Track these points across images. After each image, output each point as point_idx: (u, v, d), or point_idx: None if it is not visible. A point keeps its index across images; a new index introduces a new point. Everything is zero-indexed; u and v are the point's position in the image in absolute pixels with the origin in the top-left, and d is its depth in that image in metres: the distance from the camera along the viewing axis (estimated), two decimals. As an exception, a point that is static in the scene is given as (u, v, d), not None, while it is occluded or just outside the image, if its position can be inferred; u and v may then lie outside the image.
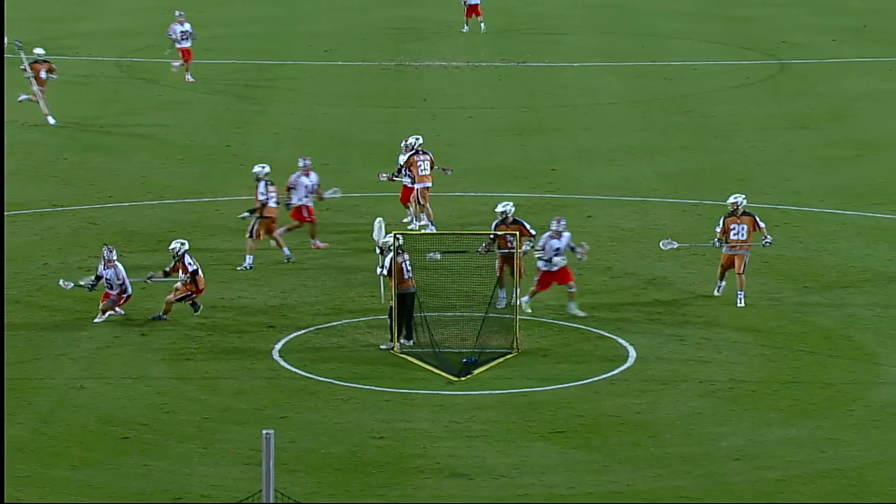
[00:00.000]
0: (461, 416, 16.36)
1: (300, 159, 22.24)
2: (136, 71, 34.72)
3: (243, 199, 23.56)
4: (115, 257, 19.02)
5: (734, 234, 19.86)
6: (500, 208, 19.60)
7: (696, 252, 22.23)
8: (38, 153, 27.63)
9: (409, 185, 22.70)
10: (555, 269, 19.20)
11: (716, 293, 19.94)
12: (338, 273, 21.02)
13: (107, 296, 18.92)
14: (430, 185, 22.81)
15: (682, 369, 17.73)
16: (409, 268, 18.14)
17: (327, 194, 22.17)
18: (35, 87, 28.69)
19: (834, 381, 17.36)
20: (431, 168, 22.60)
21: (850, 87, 33.54)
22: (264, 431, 13.68)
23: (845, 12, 41.24)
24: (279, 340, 18.39)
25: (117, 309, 19.12)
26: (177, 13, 33.27)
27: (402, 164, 22.84)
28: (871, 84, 33.84)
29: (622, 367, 17.72)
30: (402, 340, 18.06)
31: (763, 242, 19.89)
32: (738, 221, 19.89)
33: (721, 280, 19.99)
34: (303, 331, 18.72)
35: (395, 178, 22.83)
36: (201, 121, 30.26)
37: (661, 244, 20.49)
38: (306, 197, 21.84)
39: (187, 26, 32.81)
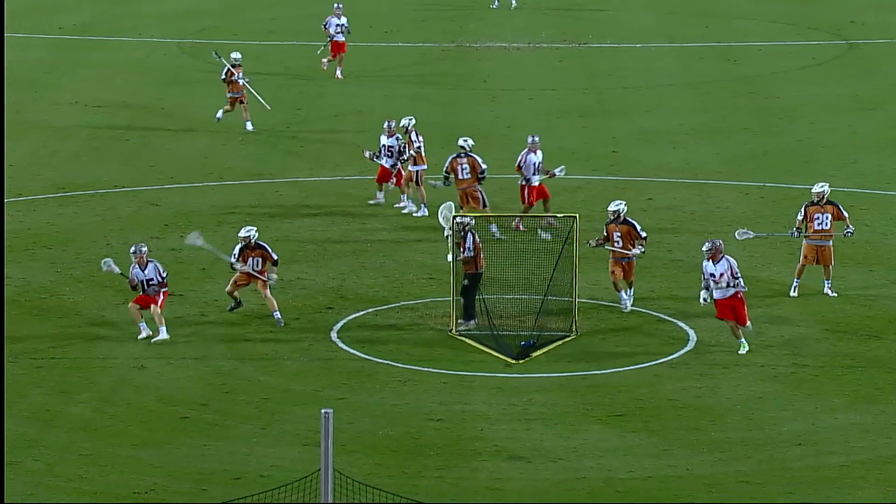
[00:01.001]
0: (519, 398, 16.38)
1: (529, 136, 22.35)
2: (198, 52, 34.99)
3: (302, 181, 23.66)
4: (146, 250, 18.05)
5: (818, 224, 19.49)
6: (612, 207, 18.95)
7: (758, 236, 22.01)
8: (101, 135, 27.95)
9: (387, 167, 22.92)
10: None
11: (792, 293, 19.43)
12: (396, 254, 21.09)
13: (143, 299, 17.96)
14: (425, 167, 22.75)
15: (743, 354, 17.59)
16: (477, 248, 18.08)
17: (557, 171, 22.26)
18: (228, 95, 27.48)
19: (899, 367, 17.16)
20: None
21: (921, 67, 32.99)
22: (323, 411, 13.78)
23: (916, -10, 40.56)
24: (338, 321, 18.50)
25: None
26: (335, 6, 31.63)
27: (386, 145, 22.86)
28: (943, 64, 33.27)
29: (682, 351, 17.63)
30: (460, 320, 18.09)
31: (845, 232, 19.51)
32: (822, 210, 19.50)
33: (798, 278, 19.52)
34: (361, 312, 18.81)
35: (375, 159, 23.06)
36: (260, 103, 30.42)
37: (735, 234, 20.16)
38: (534, 175, 22.02)
39: (344, 20, 31.42)
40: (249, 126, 27.48)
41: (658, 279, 20.19)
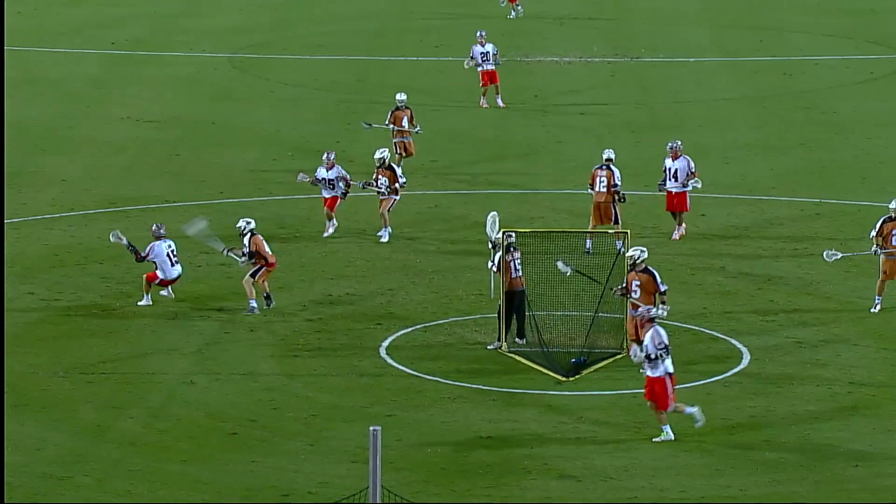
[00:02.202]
0: (569, 416, 16.31)
1: (669, 143, 22.61)
2: (249, 67, 35.27)
3: (351, 196, 23.70)
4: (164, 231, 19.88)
5: (895, 240, 19.33)
6: (630, 252, 17.40)
7: (813, 252, 21.82)
8: (152, 149, 28.22)
9: (327, 196, 22.38)
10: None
11: (874, 310, 19.25)
12: (446, 270, 21.09)
13: (155, 276, 19.69)
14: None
15: (798, 372, 17.43)
16: (519, 266, 18.10)
17: (690, 184, 22.35)
18: (395, 140, 25.49)
19: (959, 387, 16.91)
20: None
21: (982, 81, 32.58)
22: (371, 428, 13.79)
23: (976, 3, 40.07)
24: (386, 338, 18.52)
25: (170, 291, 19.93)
26: (478, 34, 30.49)
27: (326, 178, 22.33)
28: None
29: (736, 369, 17.49)
30: (516, 339, 18.05)
31: None
32: None
33: (879, 295, 19.32)
34: (410, 328, 18.82)
35: (314, 184, 22.36)
36: (312, 117, 30.62)
37: (824, 255, 20.01)
38: (670, 181, 22.25)
39: (489, 47, 30.00)
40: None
41: (711, 296, 20.05)
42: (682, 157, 22.37)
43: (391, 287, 20.50)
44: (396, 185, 22.21)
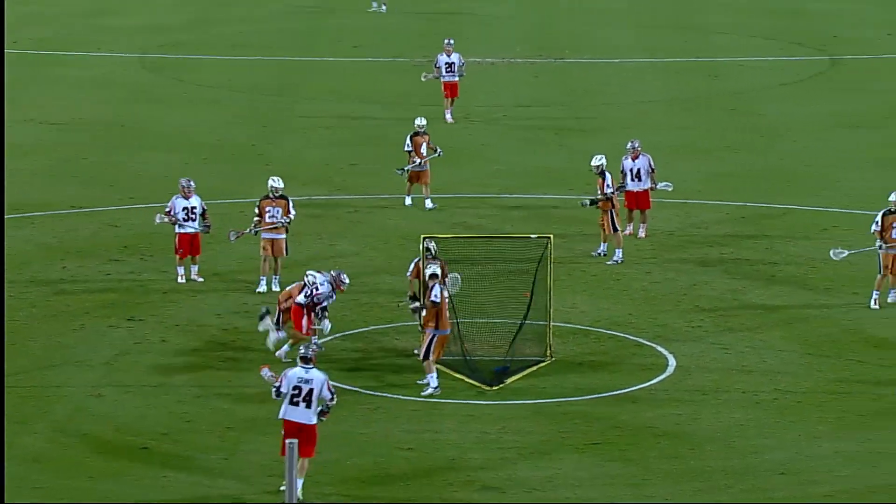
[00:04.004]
0: (492, 426, 16.31)
1: (629, 142, 22.52)
2: (162, 68, 34.92)
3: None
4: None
5: None
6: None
7: (739, 257, 22.08)
8: (59, 153, 27.82)
9: (187, 233, 20.20)
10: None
11: (872, 305, 19.50)
12: (366, 277, 21.02)
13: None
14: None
15: (724, 379, 17.60)
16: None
17: (660, 186, 22.56)
18: (408, 166, 23.95)
19: (885, 392, 17.18)
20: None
21: (906, 84, 33.22)
22: (288, 441, 13.69)
23: (900, 5, 40.87)
24: (304, 348, 18.37)
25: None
26: (445, 42, 29.55)
27: (189, 207, 20.26)
28: (928, 80, 33.52)
29: (661, 377, 17.61)
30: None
31: None
32: None
33: (877, 290, 19.57)
34: (329, 337, 18.73)
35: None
36: (228, 119, 30.40)
37: (830, 254, 20.25)
38: (632, 181, 22.30)
39: (455, 57, 29.11)
40: (429, 204, 23.88)
41: (636, 302, 20.20)
42: (642, 156, 22.60)
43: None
44: (290, 216, 20.43)
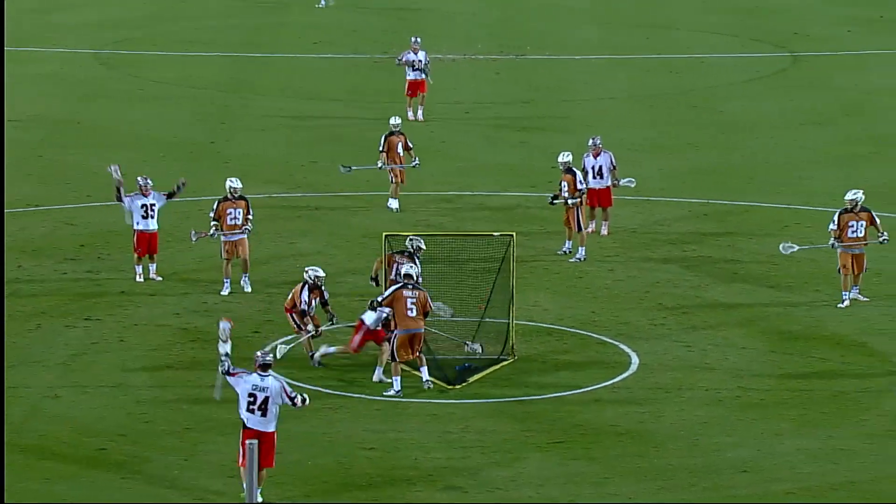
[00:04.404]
0: (455, 425, 16.38)
1: (590, 139, 22.63)
2: (117, 64, 34.74)
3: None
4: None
5: (851, 232, 19.68)
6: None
7: (702, 254, 22.27)
8: (13, 151, 27.62)
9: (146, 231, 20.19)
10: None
11: (841, 306, 19.65)
12: (328, 275, 21.01)
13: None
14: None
15: (687, 377, 17.75)
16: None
17: (623, 182, 22.58)
18: (387, 166, 23.72)
19: (846, 390, 17.38)
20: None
21: (867, 81, 33.57)
22: (248, 441, 13.70)
23: (860, 2, 41.27)
24: (265, 346, 18.39)
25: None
26: (413, 40, 29.36)
27: (148, 204, 20.14)
28: (889, 77, 33.88)
29: (624, 375, 17.73)
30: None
31: (880, 239, 19.70)
32: (857, 218, 19.70)
33: (846, 291, 19.72)
34: (289, 336, 18.72)
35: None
36: (185, 117, 30.30)
37: (780, 247, 20.39)
38: (595, 179, 22.32)
39: (421, 55, 28.84)
40: (394, 204, 23.80)
41: (599, 300, 20.33)
42: (603, 153, 22.72)
43: (270, 293, 20.36)
44: (250, 223, 20.32)
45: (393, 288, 17.30)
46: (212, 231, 20.28)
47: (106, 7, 40.43)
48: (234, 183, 20.54)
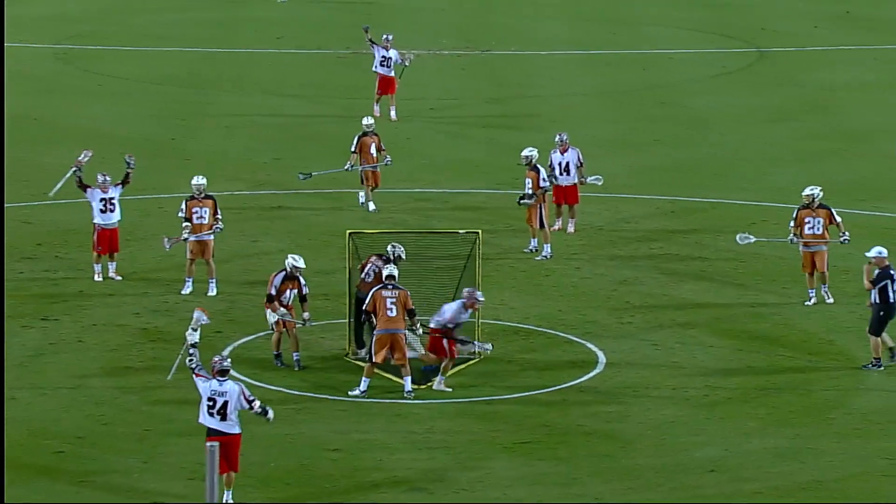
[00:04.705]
0: (420, 426, 16.34)
1: (556, 135, 22.56)
2: (75, 59, 34.49)
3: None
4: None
5: (808, 229, 19.59)
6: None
7: (669, 252, 22.32)
8: (-32, 147, 27.38)
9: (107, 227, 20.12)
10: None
11: (808, 304, 19.60)
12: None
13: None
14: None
15: (654, 376, 17.79)
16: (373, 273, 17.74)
17: (590, 179, 22.53)
18: (359, 168, 23.43)
19: (814, 388, 17.47)
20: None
21: (834, 77, 33.78)
22: (209, 444, 13.62)
23: (828, -2, 41.56)
24: (227, 346, 18.31)
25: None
26: (384, 36, 28.85)
27: (107, 198, 19.91)
28: (855, 73, 34.10)
29: (591, 374, 17.76)
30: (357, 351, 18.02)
31: (841, 239, 19.58)
32: (814, 215, 19.59)
33: (812, 289, 19.67)
34: (252, 336, 18.64)
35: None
36: (144, 112, 30.12)
37: (737, 238, 20.27)
38: (562, 175, 22.27)
39: (392, 53, 28.50)
40: (371, 207, 23.48)
41: (566, 298, 20.34)
42: (570, 150, 22.72)
43: (231, 291, 20.26)
44: (220, 223, 20.11)
45: (373, 290, 17.20)
46: (184, 235, 20.03)
47: (63, 1, 40.13)
48: (199, 181, 20.33)
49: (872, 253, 17.85)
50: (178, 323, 19.16)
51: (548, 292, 20.56)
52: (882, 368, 17.73)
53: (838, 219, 19.83)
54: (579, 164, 22.86)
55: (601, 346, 18.61)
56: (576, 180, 22.85)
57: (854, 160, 27.70)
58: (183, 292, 20.15)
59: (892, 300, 17.68)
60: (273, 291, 17.62)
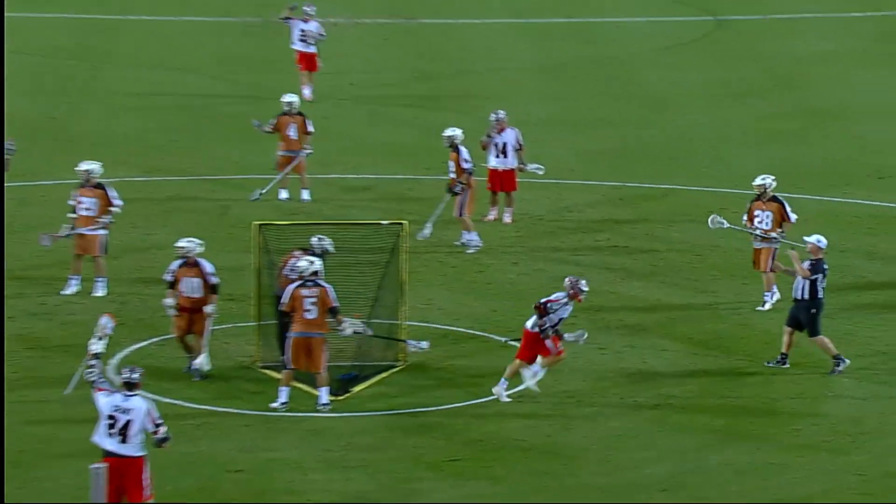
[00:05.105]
0: (337, 443, 16.28)
1: (492, 113, 22.42)
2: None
3: (71, 182, 23.10)
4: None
5: (758, 222, 19.55)
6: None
7: (617, 245, 22.38)
8: None
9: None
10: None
11: (760, 308, 19.58)
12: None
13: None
14: None
15: (600, 383, 17.83)
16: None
17: (530, 167, 22.46)
18: (279, 153, 23.14)
19: (778, 396, 17.60)
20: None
21: (798, 48, 34.15)
22: (93, 466, 13.38)
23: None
24: (115, 354, 18.12)
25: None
26: (306, 7, 28.40)
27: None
28: (822, 44, 34.48)
29: (530, 382, 17.73)
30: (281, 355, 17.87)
31: (775, 233, 19.37)
32: (764, 208, 19.52)
33: (768, 292, 19.58)
34: (144, 342, 18.46)
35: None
36: (24, 87, 29.80)
37: (709, 221, 20.04)
38: (498, 157, 22.16)
39: (312, 25, 28.30)
40: (306, 195, 23.28)
41: (502, 297, 20.35)
42: (508, 130, 22.61)
43: (122, 292, 20.04)
44: (111, 208, 19.75)
45: (290, 288, 16.98)
46: (64, 232, 19.66)
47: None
48: (85, 166, 19.94)
49: (811, 239, 17.84)
50: (59, 328, 18.91)
51: (481, 290, 20.56)
52: (848, 363, 17.84)
53: (793, 217, 19.68)
54: (518, 147, 22.77)
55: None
56: (514, 165, 22.76)
57: (821, 141, 27.98)
58: (64, 292, 19.85)
59: (820, 296, 17.77)
60: (168, 277, 17.32)
